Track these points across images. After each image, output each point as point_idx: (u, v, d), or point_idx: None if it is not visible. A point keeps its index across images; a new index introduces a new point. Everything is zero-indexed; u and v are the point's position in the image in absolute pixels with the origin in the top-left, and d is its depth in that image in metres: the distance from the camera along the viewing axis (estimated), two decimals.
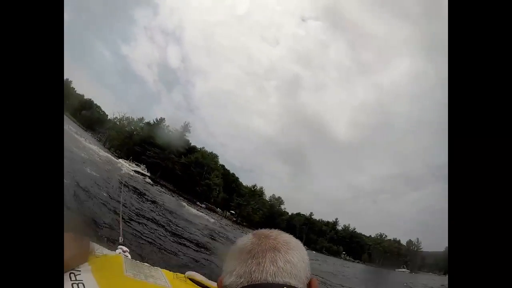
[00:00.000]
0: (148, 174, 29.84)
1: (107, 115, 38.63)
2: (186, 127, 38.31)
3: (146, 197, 18.97)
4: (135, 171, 28.34)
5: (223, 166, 38.45)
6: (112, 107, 40.17)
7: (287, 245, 0.80)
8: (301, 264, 0.80)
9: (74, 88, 38.85)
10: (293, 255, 0.79)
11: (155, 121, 37.91)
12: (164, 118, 38.57)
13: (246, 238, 0.85)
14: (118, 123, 36.94)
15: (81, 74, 45.34)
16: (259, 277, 0.75)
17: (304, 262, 0.81)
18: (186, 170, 32.97)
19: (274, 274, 0.76)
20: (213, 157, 37.39)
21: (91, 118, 35.73)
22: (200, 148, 38.88)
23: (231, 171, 40.07)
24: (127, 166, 28.23)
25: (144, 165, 30.88)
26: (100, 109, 38.82)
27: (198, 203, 30.86)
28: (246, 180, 42.61)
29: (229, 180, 38.15)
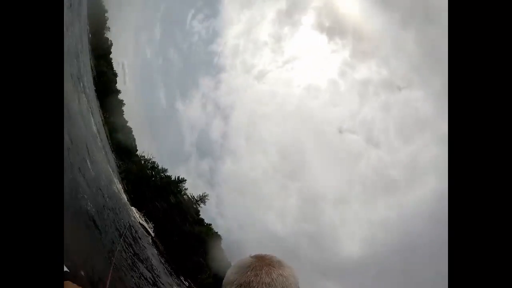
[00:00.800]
0: (152, 234, 26.46)
1: (137, 149, 37.07)
2: (203, 198, 35.93)
3: (139, 256, 15.72)
4: (141, 224, 25.19)
5: (222, 250, 34.04)
6: (144, 145, 38.71)
7: (280, 263, 1.00)
8: (291, 278, 0.98)
9: (123, 111, 38.49)
10: (284, 270, 0.98)
11: (176, 178, 35.59)
12: (185, 180, 36.29)
13: (246, 258, 1.03)
14: (143, 161, 34.87)
15: (132, 102, 45.63)
16: (256, 286, 0.93)
17: (294, 277, 0.99)
18: (185, 239, 28.94)
19: (269, 284, 0.94)
20: (216, 237, 33.53)
21: (123, 143, 34.11)
22: (207, 224, 35.41)
23: (228, 259, 35.22)
24: (136, 216, 25.27)
25: (153, 224, 27.59)
26: (134, 141, 37.49)
27: (182, 278, 25.95)
28: None
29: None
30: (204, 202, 36.34)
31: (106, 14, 43.48)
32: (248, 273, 0.96)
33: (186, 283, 27.04)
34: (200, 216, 35.80)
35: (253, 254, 1.05)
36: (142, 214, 27.66)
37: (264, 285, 0.93)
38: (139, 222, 25.13)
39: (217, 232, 35.60)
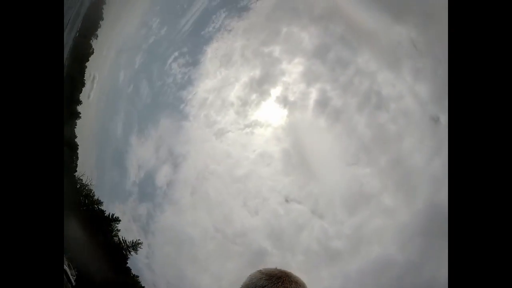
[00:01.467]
0: (73, 283, 21.63)
1: (77, 170, 32.15)
2: (135, 245, 31.07)
3: None
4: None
5: None
6: (85, 168, 33.77)
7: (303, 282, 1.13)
8: None
9: (76, 124, 34.42)
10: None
11: (110, 215, 30.96)
12: (120, 220, 31.78)
13: (272, 269, 1.18)
14: (79, 185, 29.96)
15: (89, 119, 41.93)
16: (271, 286, 1.05)
17: None
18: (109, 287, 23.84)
19: None
20: None
21: (64, 157, 29.51)
22: (134, 275, 30.02)
23: None
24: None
25: (76, 272, 22.80)
26: (76, 160, 32.74)
27: None
28: None
29: None
30: (136, 250, 31.36)
31: (100, 22, 41.88)
32: (279, 284, 1.05)
33: None
34: (128, 265, 30.26)
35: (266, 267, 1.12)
36: (66, 258, 22.43)
37: None
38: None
39: (144, 287, 29.98)
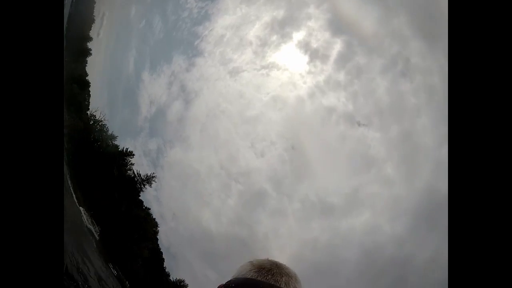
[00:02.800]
0: (97, 237, 23.01)
1: (89, 108, 32.39)
2: (150, 179, 31.96)
3: None
4: (87, 228, 21.69)
5: (157, 239, 30.88)
6: (97, 105, 33.98)
7: (295, 273, 1.15)
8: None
9: (87, 62, 33.83)
10: (297, 279, 1.13)
11: (124, 150, 31.56)
12: (133, 154, 32.41)
13: (263, 260, 1.16)
14: (92, 121, 30.42)
15: (99, 56, 41.13)
16: (260, 278, 1.03)
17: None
18: (121, 223, 25.52)
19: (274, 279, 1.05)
20: (154, 225, 30.22)
21: (75, 95, 29.64)
22: (146, 207, 31.87)
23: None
24: (84, 218, 21.71)
25: (99, 228, 24.01)
26: (88, 97, 32.84)
27: (110, 265, 22.66)
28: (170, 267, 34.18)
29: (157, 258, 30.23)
30: (150, 184, 32.24)
31: None
32: (269, 277, 1.05)
33: (115, 272, 23.59)
34: (140, 198, 32.03)
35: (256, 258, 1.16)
36: (90, 216, 23.70)
37: (271, 281, 1.05)
38: (86, 226, 21.61)
39: (155, 219, 32.14)
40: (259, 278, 1.04)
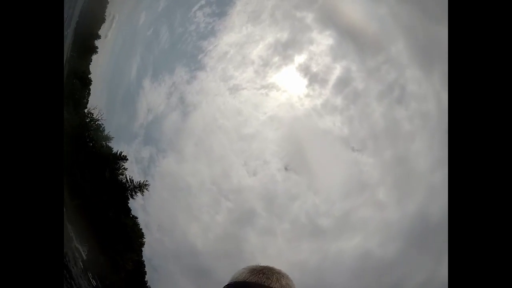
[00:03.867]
0: (84, 257, 21.50)
1: (87, 104, 31.14)
2: (142, 186, 30.45)
3: None
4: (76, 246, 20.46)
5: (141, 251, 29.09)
6: (98, 103, 32.84)
7: (286, 274, 1.20)
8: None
9: (91, 60, 32.93)
10: (289, 280, 1.19)
11: (118, 153, 30.24)
12: (127, 159, 31.02)
13: (256, 265, 1.19)
14: (88, 119, 29.09)
15: (104, 56, 40.76)
16: (255, 280, 1.08)
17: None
18: (107, 230, 23.92)
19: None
20: (140, 236, 28.52)
21: (74, 90, 28.50)
22: (133, 216, 30.24)
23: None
24: (73, 235, 20.54)
25: (87, 248, 22.58)
26: (88, 95, 31.71)
27: (90, 276, 20.98)
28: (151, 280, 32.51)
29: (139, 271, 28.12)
30: (142, 192, 30.56)
31: None
32: (260, 275, 1.10)
33: (94, 283, 21.64)
34: (129, 205, 30.23)
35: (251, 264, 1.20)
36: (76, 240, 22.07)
37: (264, 282, 1.09)
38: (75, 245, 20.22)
39: (141, 229, 30.25)
40: (252, 279, 1.09)
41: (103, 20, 39.55)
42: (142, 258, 30.84)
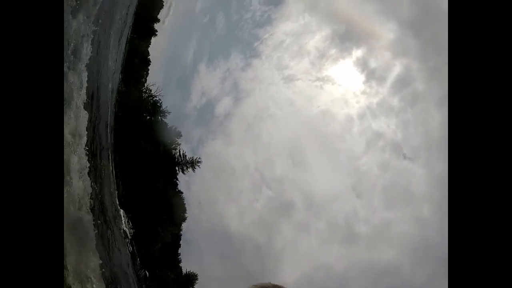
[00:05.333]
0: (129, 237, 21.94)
1: (146, 80, 32.61)
2: (194, 163, 31.21)
3: None
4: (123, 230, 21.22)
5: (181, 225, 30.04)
6: (157, 80, 34.36)
7: None
8: None
9: (150, 42, 34.39)
10: None
11: (173, 128, 31.21)
12: (181, 135, 31.82)
13: (263, 283, 1.18)
14: (146, 95, 30.28)
15: (162, 40, 42.35)
16: None
17: None
18: (154, 200, 24.95)
19: None
20: (183, 210, 29.53)
21: (134, 68, 30.03)
22: (179, 191, 31.36)
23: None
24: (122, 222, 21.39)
25: (133, 230, 23.55)
26: (147, 74, 33.22)
27: (127, 241, 21.59)
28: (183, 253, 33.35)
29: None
30: (193, 168, 31.78)
31: None
32: None
33: (130, 248, 22.64)
34: (176, 180, 31.46)
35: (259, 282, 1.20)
36: (127, 219, 23.64)
37: None
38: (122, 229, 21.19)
39: (185, 204, 31.37)
40: None
41: (161, 6, 41.26)
42: (181, 232, 31.92)
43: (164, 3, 42.38)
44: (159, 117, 30.30)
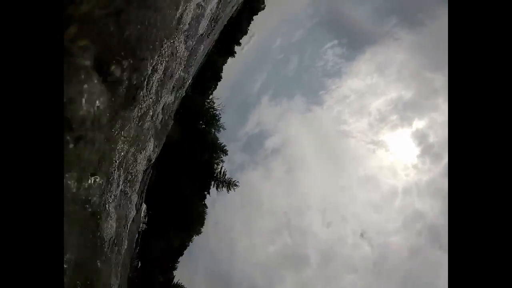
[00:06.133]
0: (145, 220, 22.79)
1: (212, 93, 34.24)
2: (231, 184, 31.35)
3: None
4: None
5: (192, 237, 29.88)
6: (223, 95, 36.00)
7: None
8: None
9: (226, 60, 36.63)
10: None
11: (221, 144, 31.92)
12: (228, 153, 32.35)
13: None
14: (208, 106, 31.66)
15: (236, 64, 44.79)
16: None
17: None
18: (177, 203, 25.06)
19: None
20: (202, 224, 29.54)
21: (205, 79, 31.96)
22: (204, 204, 31.53)
23: None
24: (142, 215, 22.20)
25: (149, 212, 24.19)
26: (215, 88, 34.94)
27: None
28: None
29: None
30: (228, 189, 31.63)
31: None
32: None
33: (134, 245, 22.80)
34: (207, 193, 31.62)
35: None
36: (145, 215, 24.33)
37: None
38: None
39: (205, 219, 31.23)
40: None
41: (245, 32, 44.09)
42: (190, 243, 31.50)
43: (248, 31, 45.21)
44: (213, 130, 31.34)
